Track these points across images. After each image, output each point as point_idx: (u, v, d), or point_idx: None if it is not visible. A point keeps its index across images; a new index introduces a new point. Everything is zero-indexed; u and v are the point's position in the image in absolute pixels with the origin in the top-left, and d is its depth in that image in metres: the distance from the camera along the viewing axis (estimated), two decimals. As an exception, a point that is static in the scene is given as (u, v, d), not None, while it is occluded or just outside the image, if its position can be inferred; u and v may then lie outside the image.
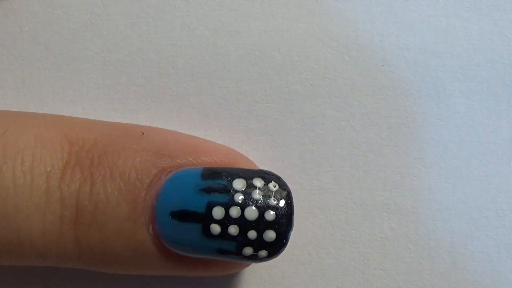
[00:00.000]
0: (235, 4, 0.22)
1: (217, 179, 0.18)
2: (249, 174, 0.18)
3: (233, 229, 0.18)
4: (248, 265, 0.21)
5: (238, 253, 0.18)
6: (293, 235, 0.22)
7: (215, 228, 0.18)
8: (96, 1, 0.22)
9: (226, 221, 0.18)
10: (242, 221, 0.18)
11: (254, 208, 0.18)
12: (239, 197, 0.18)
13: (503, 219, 0.22)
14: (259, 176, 0.18)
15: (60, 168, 0.18)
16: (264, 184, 0.18)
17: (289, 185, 0.18)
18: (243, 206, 0.18)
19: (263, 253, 0.18)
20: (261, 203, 0.18)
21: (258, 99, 0.22)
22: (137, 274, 0.20)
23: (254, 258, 0.18)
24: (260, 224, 0.18)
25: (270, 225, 0.18)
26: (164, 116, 0.22)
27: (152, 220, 0.18)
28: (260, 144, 0.22)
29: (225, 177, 0.18)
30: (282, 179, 0.19)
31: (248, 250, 0.18)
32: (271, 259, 0.18)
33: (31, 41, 0.22)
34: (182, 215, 0.18)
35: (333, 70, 0.22)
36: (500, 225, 0.22)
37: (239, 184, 0.18)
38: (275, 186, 0.18)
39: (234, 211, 0.18)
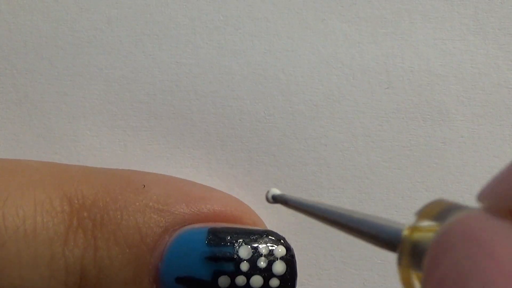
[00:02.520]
0: (240, 23, 0.22)
1: (222, 246, 0.18)
2: (254, 239, 0.19)
3: None
4: None
5: None
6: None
7: None
8: (100, 17, 0.22)
9: None
10: None
11: (259, 277, 0.18)
12: (245, 267, 0.18)
13: (505, 245, 0.22)
14: (264, 242, 0.19)
15: (63, 233, 0.18)
16: (269, 251, 0.18)
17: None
18: (248, 275, 0.18)
19: None
20: (266, 271, 0.18)
21: (261, 118, 0.22)
22: None
23: None
24: None
25: None
26: (166, 134, 0.22)
27: (156, 281, 0.18)
28: (263, 164, 0.22)
29: (230, 244, 0.18)
30: (287, 241, 0.19)
31: None
32: None
33: (35, 56, 0.22)
34: (188, 282, 0.18)
35: (337, 91, 0.22)
36: (502, 250, 0.22)
37: (244, 252, 0.18)
38: (279, 251, 0.19)
39: (240, 280, 0.18)
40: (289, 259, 0.19)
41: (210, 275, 0.18)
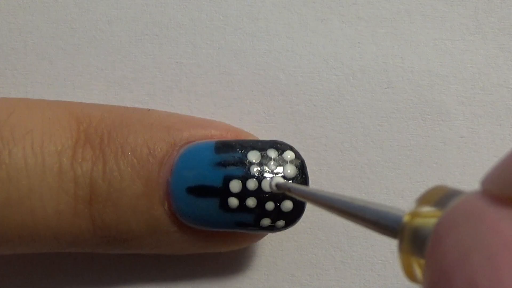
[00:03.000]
0: (240, 23, 0.22)
1: (231, 152, 0.18)
2: (262, 146, 0.18)
3: (251, 202, 0.18)
4: (265, 235, 0.21)
5: (256, 225, 0.18)
6: (294, 256, 0.22)
7: (233, 202, 0.18)
8: (101, 18, 0.22)
9: (243, 194, 0.18)
10: (259, 193, 0.18)
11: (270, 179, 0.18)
12: (255, 169, 0.18)
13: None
14: (272, 147, 0.18)
15: (70, 147, 0.18)
16: (278, 155, 0.18)
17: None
18: (259, 178, 0.18)
19: (281, 223, 0.18)
20: (277, 174, 0.18)
21: (261, 119, 0.22)
22: (152, 253, 0.20)
23: (272, 228, 0.18)
24: (277, 194, 0.18)
25: (287, 195, 0.18)
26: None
27: (167, 196, 0.18)
28: (263, 164, 0.22)
29: (239, 150, 0.18)
30: (295, 149, 0.19)
31: (266, 221, 0.18)
32: (288, 228, 0.19)
33: (35, 56, 0.22)
34: (198, 191, 0.18)
35: (337, 91, 0.22)
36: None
37: (254, 156, 0.18)
38: (289, 156, 0.18)
39: (251, 184, 0.18)
40: (300, 163, 0.18)
41: (221, 180, 0.18)
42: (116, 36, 0.22)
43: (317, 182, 0.22)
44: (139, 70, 0.22)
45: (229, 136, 0.19)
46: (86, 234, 0.18)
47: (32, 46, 0.22)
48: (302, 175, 0.18)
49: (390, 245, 0.22)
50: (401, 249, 0.12)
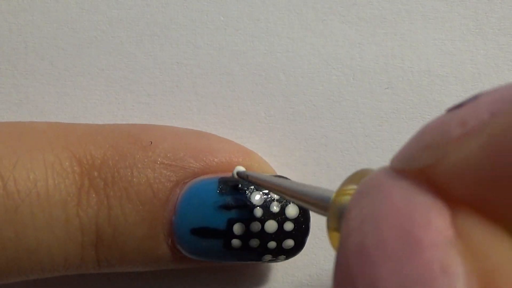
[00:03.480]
0: (240, 24, 0.22)
1: (234, 194, 0.18)
2: (265, 190, 0.19)
3: (254, 242, 0.18)
4: None
5: (258, 260, 0.19)
6: (294, 257, 0.22)
7: (236, 243, 0.18)
8: (101, 18, 0.22)
9: (246, 235, 0.18)
10: (262, 235, 0.18)
11: (273, 221, 0.18)
12: (259, 213, 0.18)
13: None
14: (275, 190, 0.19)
15: (75, 194, 0.18)
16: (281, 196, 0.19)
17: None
18: (262, 220, 0.18)
19: (282, 257, 0.19)
20: (280, 215, 0.18)
21: (262, 119, 0.22)
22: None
23: (273, 261, 0.19)
24: (280, 234, 0.18)
25: (289, 234, 0.18)
26: (167, 134, 0.22)
27: (171, 234, 0.18)
28: (263, 164, 0.22)
29: (242, 191, 0.18)
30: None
31: (267, 257, 0.19)
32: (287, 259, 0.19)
33: (36, 57, 0.22)
34: (203, 232, 0.18)
35: (337, 91, 0.22)
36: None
37: (257, 198, 0.18)
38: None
39: (255, 227, 0.18)
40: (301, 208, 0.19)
41: (225, 223, 0.18)
42: (117, 36, 0.22)
43: (317, 182, 0.22)
44: (140, 70, 0.22)
45: (237, 163, 0.19)
46: (92, 270, 0.19)
47: (33, 47, 0.22)
48: (304, 214, 0.18)
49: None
50: (328, 225, 0.13)
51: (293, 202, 0.18)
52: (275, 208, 0.18)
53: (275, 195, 0.18)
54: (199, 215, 0.18)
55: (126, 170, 0.19)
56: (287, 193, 0.15)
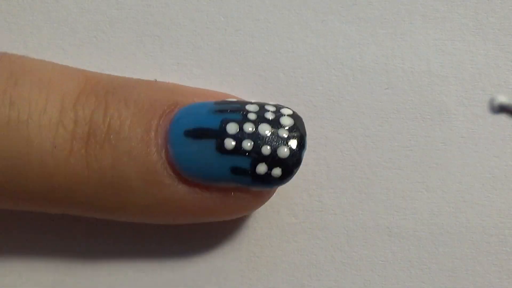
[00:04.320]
0: (240, 24, 0.22)
1: (230, 104, 0.19)
2: (261, 103, 0.19)
3: (247, 143, 0.18)
4: (261, 204, 0.20)
5: (253, 172, 0.18)
6: (294, 257, 0.22)
7: (230, 143, 0.18)
8: (101, 18, 0.22)
9: (240, 135, 0.18)
10: (256, 136, 0.18)
11: (267, 124, 0.18)
12: (253, 116, 0.18)
13: (505, 245, 0.22)
14: (270, 104, 0.19)
15: (75, 91, 0.19)
16: (276, 109, 0.19)
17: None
18: (256, 123, 0.18)
19: (277, 171, 0.18)
20: (274, 122, 0.18)
21: (262, 119, 0.22)
22: (147, 220, 0.20)
23: (268, 178, 0.18)
24: (274, 140, 0.18)
25: (284, 142, 0.18)
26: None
27: (165, 144, 0.18)
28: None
29: (238, 103, 0.19)
30: (293, 109, 0.19)
31: (262, 168, 0.18)
32: (284, 182, 0.19)
33: (36, 57, 0.22)
34: (196, 133, 0.18)
35: (337, 92, 0.22)
36: (502, 250, 0.22)
37: (252, 106, 0.19)
38: (286, 110, 0.19)
39: (248, 127, 0.18)
40: (297, 116, 0.19)
41: (218, 123, 0.18)
42: (117, 36, 0.22)
43: (317, 182, 0.22)
44: (140, 70, 0.22)
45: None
46: (80, 177, 0.18)
47: (33, 47, 0.22)
48: (300, 127, 0.19)
49: (390, 245, 0.22)
50: None
51: (288, 115, 0.19)
52: (269, 115, 0.19)
53: (271, 107, 0.19)
54: (193, 119, 0.18)
55: (129, 87, 0.19)
56: None
